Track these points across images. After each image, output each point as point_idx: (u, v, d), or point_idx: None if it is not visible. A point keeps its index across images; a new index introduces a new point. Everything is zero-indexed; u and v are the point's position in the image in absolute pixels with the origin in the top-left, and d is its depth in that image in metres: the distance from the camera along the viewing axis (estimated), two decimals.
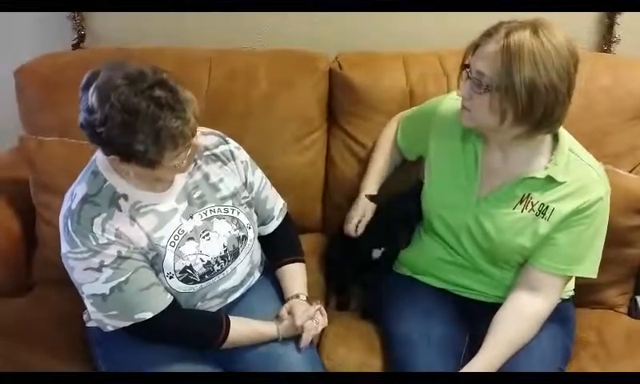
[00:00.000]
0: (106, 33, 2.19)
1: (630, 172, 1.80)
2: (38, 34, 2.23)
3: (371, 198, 1.73)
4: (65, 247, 1.38)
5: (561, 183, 1.45)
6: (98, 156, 1.43)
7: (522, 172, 1.48)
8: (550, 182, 1.45)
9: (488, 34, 1.36)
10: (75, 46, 2.18)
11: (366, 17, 2.07)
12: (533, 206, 1.47)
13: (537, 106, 1.33)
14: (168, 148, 1.29)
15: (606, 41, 2.04)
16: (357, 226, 1.72)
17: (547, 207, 1.46)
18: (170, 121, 1.26)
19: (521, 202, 1.48)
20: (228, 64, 1.99)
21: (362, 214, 1.72)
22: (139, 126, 1.24)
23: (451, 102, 1.59)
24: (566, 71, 1.33)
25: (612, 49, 2.04)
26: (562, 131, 1.48)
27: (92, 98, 1.25)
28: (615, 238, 1.63)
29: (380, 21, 2.08)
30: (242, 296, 1.60)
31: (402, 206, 1.67)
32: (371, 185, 1.79)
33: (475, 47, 1.39)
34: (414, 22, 2.07)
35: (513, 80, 1.31)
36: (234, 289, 1.57)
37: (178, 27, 2.13)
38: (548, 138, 1.47)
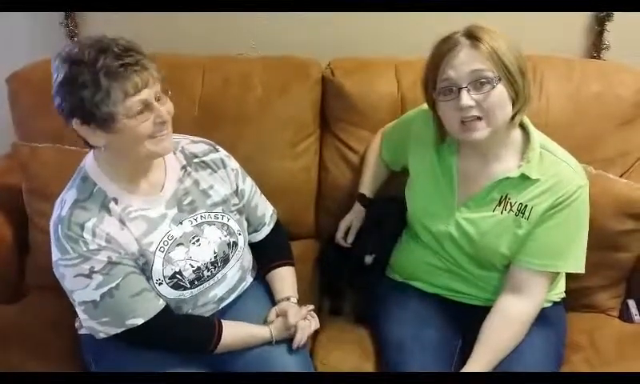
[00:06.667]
0: None
1: (621, 176, 1.81)
2: (30, 41, 2.23)
3: (360, 198, 1.74)
4: (55, 254, 1.38)
5: (536, 181, 1.46)
6: (87, 162, 1.43)
7: (497, 174, 1.49)
8: (525, 180, 1.46)
9: (448, 48, 1.40)
10: None
11: (359, 23, 2.07)
12: (512, 206, 1.48)
13: (523, 80, 1.40)
14: (114, 91, 1.26)
15: (596, 47, 2.06)
16: (345, 235, 1.74)
17: (526, 206, 1.47)
18: (111, 61, 1.25)
19: (499, 203, 1.50)
20: (221, 70, 1.99)
21: (349, 223, 1.75)
22: (80, 72, 1.25)
23: (425, 112, 1.59)
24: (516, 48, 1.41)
25: (602, 55, 2.06)
26: (532, 129, 1.50)
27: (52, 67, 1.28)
28: (606, 242, 1.65)
29: (372, 27, 2.09)
30: (236, 300, 1.60)
31: (384, 212, 1.71)
32: (363, 197, 1.80)
33: (438, 64, 1.42)
34: (406, 29, 2.07)
35: (505, 63, 1.37)
36: (226, 295, 1.57)
37: (172, 33, 2.13)
38: (519, 137, 1.49)
